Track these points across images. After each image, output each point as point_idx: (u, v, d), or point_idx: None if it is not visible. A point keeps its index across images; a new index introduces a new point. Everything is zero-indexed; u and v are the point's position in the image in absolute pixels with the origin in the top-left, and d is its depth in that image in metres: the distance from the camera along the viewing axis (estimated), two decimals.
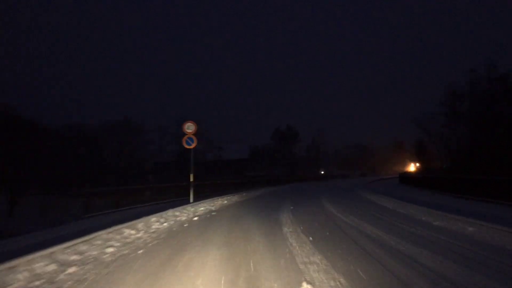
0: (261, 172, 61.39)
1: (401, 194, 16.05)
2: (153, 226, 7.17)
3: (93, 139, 37.04)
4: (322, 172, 60.65)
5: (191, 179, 12.71)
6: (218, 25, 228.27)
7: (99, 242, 5.32)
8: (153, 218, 7.86)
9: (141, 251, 5.03)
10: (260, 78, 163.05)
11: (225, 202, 13.71)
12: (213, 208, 11.00)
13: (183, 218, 8.63)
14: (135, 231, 6.41)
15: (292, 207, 10.67)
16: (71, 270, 3.97)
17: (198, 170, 50.94)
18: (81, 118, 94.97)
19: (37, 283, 3.53)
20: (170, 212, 9.00)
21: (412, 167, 79.20)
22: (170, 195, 15.91)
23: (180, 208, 9.87)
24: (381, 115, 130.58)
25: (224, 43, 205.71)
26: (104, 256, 4.66)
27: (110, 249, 4.98)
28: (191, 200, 12.33)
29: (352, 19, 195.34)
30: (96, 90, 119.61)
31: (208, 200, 13.47)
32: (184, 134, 12.67)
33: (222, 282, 3.54)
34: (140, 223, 7.12)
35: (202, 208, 10.67)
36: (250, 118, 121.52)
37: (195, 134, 12.84)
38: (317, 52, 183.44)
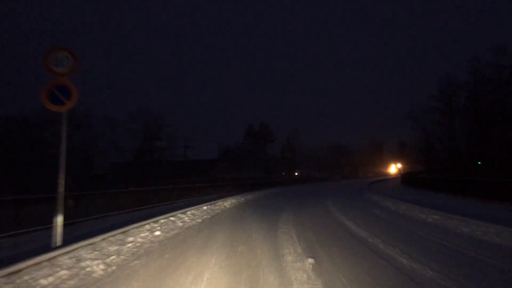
0: (232, 173, 56.32)
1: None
2: None
3: (35, 133, 30.62)
4: (296, 174, 56.69)
5: (60, 187, 5.31)
6: (189, 19, 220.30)
7: None
8: None
9: None
10: (234, 76, 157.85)
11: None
12: None
13: None
14: None
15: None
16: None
17: (161, 172, 44.71)
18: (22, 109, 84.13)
19: None
20: None
21: (393, 169, 78.62)
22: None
23: None
24: (360, 115, 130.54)
25: (196, 37, 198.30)
26: None
27: None
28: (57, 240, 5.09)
29: (331, 13, 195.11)
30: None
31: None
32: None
33: None
34: None
35: None
36: (222, 117, 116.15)
37: (71, 76, 5.62)
38: (294, 49, 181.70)
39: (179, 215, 9.66)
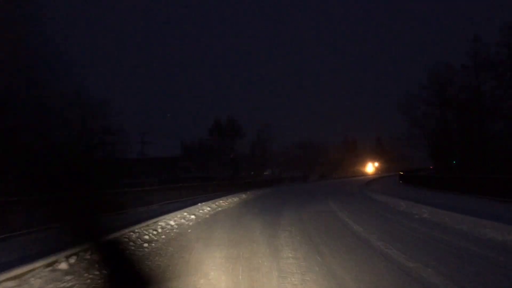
0: (196, 172, 50.87)
1: None
2: None
3: None
4: (266, 173, 52.27)
5: None
6: (153, 8, 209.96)
7: None
8: None
9: None
10: (200, 68, 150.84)
11: None
12: None
13: None
14: None
15: None
16: None
17: (112, 171, 38.30)
18: None
19: None
20: None
21: (370, 167, 77.53)
22: None
23: None
24: (335, 112, 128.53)
25: (158, 24, 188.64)
26: None
27: None
28: None
29: (304, 4, 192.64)
30: None
31: None
32: None
33: None
34: None
35: None
36: (187, 112, 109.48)
37: None
38: (265, 41, 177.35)
39: None
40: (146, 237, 7.33)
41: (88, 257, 5.04)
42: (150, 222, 8.59)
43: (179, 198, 17.35)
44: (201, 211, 11.62)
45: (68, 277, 4.24)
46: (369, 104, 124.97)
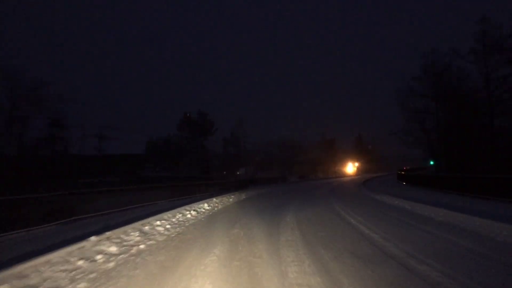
0: (163, 171, 46.22)
1: None
2: None
3: None
4: (238, 173, 48.50)
5: None
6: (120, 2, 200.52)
7: None
8: None
9: None
10: (169, 59, 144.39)
11: None
12: None
13: None
14: None
15: None
16: None
17: (63, 168, 33.08)
18: None
19: None
20: None
21: (350, 167, 69.71)
22: None
23: None
24: (312, 110, 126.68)
25: (126, 16, 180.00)
26: None
27: None
28: None
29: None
30: None
31: None
32: None
33: None
34: None
35: None
36: (154, 106, 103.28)
37: None
38: (239, 34, 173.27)
39: None
40: None
41: None
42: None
43: (129, 205, 13.32)
44: (157, 229, 7.80)
45: None
46: (351, 102, 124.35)
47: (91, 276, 4.35)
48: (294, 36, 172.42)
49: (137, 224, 7.94)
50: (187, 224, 8.93)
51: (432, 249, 5.42)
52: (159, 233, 7.52)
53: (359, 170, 64.04)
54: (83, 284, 4.04)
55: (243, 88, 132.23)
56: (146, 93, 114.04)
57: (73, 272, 4.42)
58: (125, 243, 6.28)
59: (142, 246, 6.18)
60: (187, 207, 11.92)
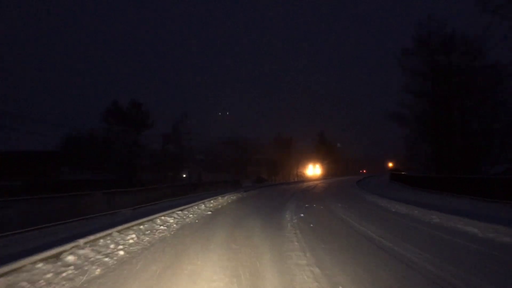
0: (82, 174, 37.20)
1: None
2: None
3: None
4: (184, 176, 40.88)
5: None
6: None
7: None
8: None
9: None
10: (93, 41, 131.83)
11: None
12: None
13: None
14: None
15: None
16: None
17: None
18: None
19: None
20: None
21: (314, 170, 61.78)
22: None
23: None
24: (267, 106, 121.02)
25: None
26: None
27: None
28: None
29: None
30: None
31: None
32: None
33: None
34: None
35: None
36: (76, 96, 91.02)
37: None
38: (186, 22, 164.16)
39: None
40: None
41: None
42: None
43: None
44: None
45: None
46: (314, 100, 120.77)
47: None
48: (251, 27, 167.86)
49: None
50: None
51: None
52: None
53: (324, 173, 59.00)
54: None
55: (188, 83, 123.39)
56: (68, 80, 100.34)
57: None
58: None
59: None
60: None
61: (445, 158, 17.53)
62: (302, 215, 10.29)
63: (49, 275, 4.57)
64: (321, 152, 56.52)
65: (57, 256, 5.34)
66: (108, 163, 36.00)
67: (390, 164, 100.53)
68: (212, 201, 15.24)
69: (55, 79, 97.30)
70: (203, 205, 13.52)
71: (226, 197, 17.85)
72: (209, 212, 12.05)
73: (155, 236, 7.84)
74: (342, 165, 69.33)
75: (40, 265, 4.87)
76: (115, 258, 5.75)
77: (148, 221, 9.14)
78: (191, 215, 11.05)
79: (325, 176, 58.81)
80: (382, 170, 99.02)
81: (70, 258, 5.33)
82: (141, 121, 37.10)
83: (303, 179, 51.26)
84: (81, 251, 5.75)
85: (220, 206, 14.50)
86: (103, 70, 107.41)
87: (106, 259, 5.62)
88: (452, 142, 17.17)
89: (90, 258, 5.58)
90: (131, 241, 7.06)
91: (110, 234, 7.17)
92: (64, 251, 5.57)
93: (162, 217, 9.92)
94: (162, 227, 8.88)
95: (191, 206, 12.60)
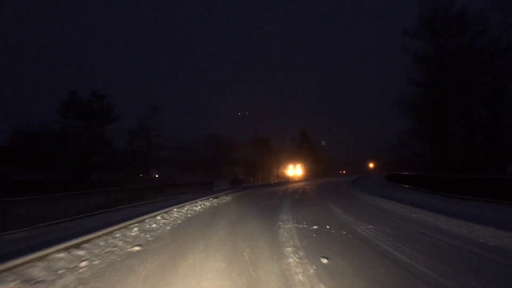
0: (32, 174, 32.63)
1: None
2: None
3: None
4: (157, 176, 36.95)
5: None
6: None
7: None
8: None
9: None
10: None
11: None
12: None
13: None
14: None
15: None
16: None
17: None
18: None
19: None
20: None
21: (294, 170, 58.00)
22: None
23: None
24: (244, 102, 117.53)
25: None
26: None
27: None
28: None
29: None
30: None
31: None
32: None
33: None
34: None
35: None
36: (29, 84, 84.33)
37: None
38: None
39: None
40: None
41: None
42: None
43: None
44: None
45: None
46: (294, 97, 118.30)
47: None
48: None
49: None
50: None
51: None
52: None
53: (306, 173, 57.57)
54: None
55: (157, 76, 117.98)
56: (19, 67, 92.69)
57: None
58: None
59: None
60: None
61: (454, 156, 15.21)
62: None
63: None
64: (303, 152, 53.63)
65: None
66: (62, 161, 31.62)
67: (371, 165, 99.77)
68: (160, 217, 11.48)
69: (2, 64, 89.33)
70: (136, 229, 8.92)
71: (186, 209, 14.13)
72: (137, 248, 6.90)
73: None
74: (324, 165, 66.89)
75: None
76: None
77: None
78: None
79: (308, 177, 56.11)
80: (363, 171, 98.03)
81: None
82: (104, 114, 32.97)
83: (285, 180, 48.15)
84: None
85: (168, 228, 9.44)
86: (64, 58, 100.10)
87: None
88: (461, 137, 14.83)
89: None
90: None
91: None
92: None
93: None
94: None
95: (118, 229, 8.56)
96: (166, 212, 12.23)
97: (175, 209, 13.34)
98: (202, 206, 15.67)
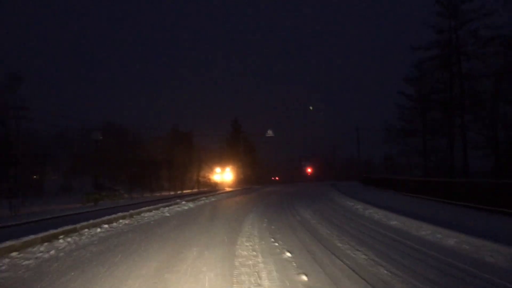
0: None
1: None
2: None
3: None
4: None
5: None
6: None
7: None
8: None
9: None
10: None
11: None
12: None
13: None
14: None
15: None
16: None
17: None
18: None
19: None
20: None
21: (222, 174, 46.15)
22: None
23: None
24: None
25: None
26: None
27: None
28: None
29: None
30: None
31: None
32: None
33: None
34: None
35: None
36: None
37: None
38: None
39: None
40: None
41: None
42: None
43: None
44: None
45: None
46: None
47: None
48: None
49: None
50: None
51: None
52: None
53: (237, 178, 43.53)
54: None
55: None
56: None
57: None
58: None
59: None
60: None
61: None
62: None
63: None
64: (235, 149, 43.34)
65: None
66: None
67: (309, 170, 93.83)
68: None
69: None
70: None
71: None
72: None
73: None
74: (262, 169, 57.92)
75: None
76: None
77: None
78: None
79: (241, 184, 43.11)
80: (299, 177, 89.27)
81: None
82: None
83: (207, 189, 36.66)
84: None
85: None
86: None
87: None
88: None
89: None
90: None
91: None
92: None
93: None
94: None
95: None
96: None
97: None
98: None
